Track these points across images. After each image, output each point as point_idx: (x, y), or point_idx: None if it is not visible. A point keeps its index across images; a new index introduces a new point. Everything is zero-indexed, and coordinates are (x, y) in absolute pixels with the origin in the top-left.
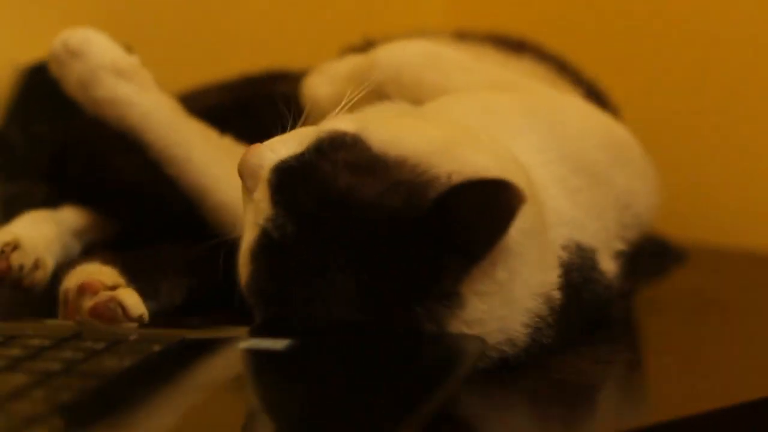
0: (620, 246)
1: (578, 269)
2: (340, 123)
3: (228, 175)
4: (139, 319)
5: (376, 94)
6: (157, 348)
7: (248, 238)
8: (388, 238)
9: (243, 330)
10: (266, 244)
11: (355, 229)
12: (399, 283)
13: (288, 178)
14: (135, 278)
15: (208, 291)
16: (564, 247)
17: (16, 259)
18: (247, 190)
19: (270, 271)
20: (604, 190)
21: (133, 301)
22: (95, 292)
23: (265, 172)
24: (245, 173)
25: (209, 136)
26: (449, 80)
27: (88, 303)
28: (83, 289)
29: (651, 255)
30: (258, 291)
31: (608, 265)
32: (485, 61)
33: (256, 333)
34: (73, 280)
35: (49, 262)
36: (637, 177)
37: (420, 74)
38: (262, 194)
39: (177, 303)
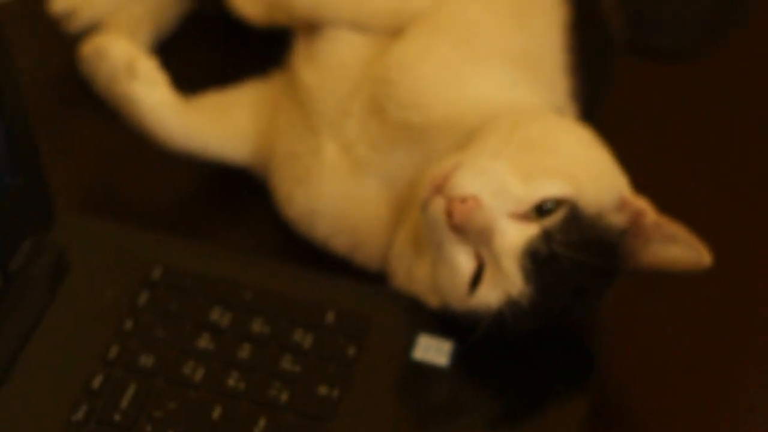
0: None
1: None
2: (554, 185)
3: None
4: None
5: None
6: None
7: (488, 295)
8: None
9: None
10: (513, 309)
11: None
12: None
13: (540, 265)
14: None
15: None
16: None
17: None
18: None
19: (510, 329)
20: (542, 61)
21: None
22: None
23: (509, 249)
24: (471, 231)
25: (217, 114)
26: (364, 4)
27: None
28: None
29: None
30: (490, 332)
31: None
32: None
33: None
34: None
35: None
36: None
37: (335, 8)
38: (511, 268)
39: None
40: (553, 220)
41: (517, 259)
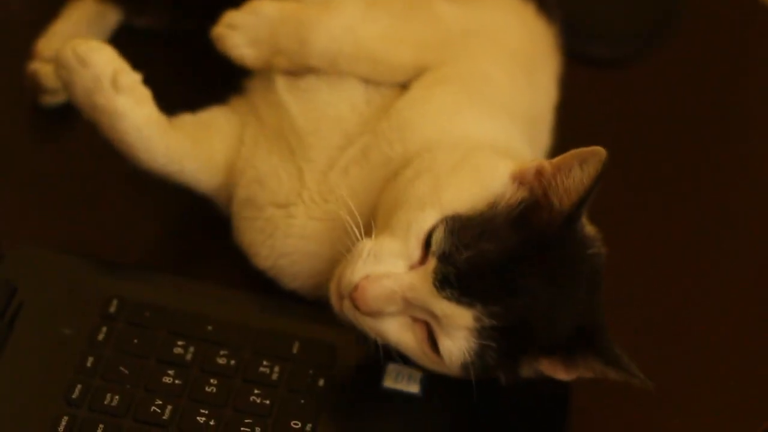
0: None
1: None
2: (423, 221)
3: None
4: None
5: None
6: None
7: (452, 345)
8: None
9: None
10: (485, 334)
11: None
12: None
13: (467, 282)
14: None
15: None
16: None
17: None
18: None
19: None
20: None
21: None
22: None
23: (430, 293)
24: (376, 309)
25: (194, 138)
26: (382, 62)
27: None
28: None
29: None
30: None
31: None
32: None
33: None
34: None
35: None
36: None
37: (354, 64)
38: (447, 306)
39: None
40: (437, 243)
41: (446, 295)
